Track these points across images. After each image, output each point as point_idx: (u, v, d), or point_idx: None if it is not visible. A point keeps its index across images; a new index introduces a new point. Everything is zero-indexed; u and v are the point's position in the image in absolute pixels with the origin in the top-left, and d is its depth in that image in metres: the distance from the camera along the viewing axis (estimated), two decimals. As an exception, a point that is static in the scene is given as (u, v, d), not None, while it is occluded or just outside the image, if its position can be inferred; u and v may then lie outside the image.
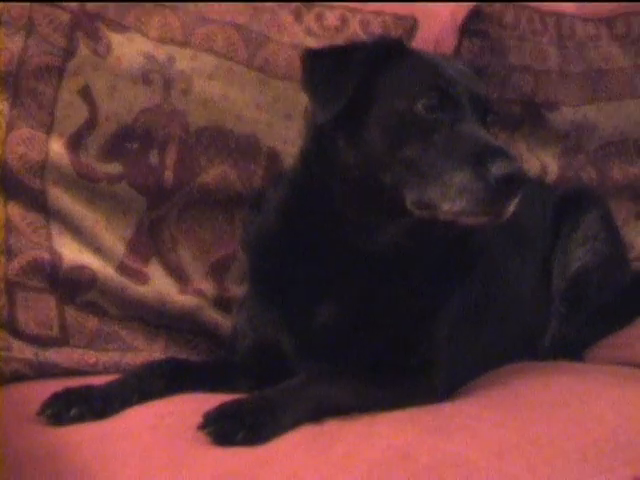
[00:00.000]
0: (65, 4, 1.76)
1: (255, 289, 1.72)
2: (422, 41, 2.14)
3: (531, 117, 2.35)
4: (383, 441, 1.35)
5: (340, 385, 1.50)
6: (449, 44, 2.24)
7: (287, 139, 1.94)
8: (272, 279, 1.66)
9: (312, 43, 1.96)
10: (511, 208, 1.46)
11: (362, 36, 2.02)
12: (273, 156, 1.94)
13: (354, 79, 1.54)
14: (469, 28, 2.24)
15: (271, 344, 1.66)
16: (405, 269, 1.59)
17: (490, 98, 1.65)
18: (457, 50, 2.24)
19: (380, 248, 1.57)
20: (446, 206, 1.45)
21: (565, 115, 2.37)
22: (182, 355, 1.83)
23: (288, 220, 1.64)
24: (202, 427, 1.36)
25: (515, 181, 1.43)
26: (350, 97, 1.53)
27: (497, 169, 1.41)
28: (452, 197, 1.44)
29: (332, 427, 1.41)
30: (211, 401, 1.45)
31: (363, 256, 1.58)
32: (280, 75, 1.93)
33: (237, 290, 1.91)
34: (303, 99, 1.91)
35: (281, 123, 1.94)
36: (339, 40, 1.99)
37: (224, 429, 1.35)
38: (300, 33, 1.97)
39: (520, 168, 1.44)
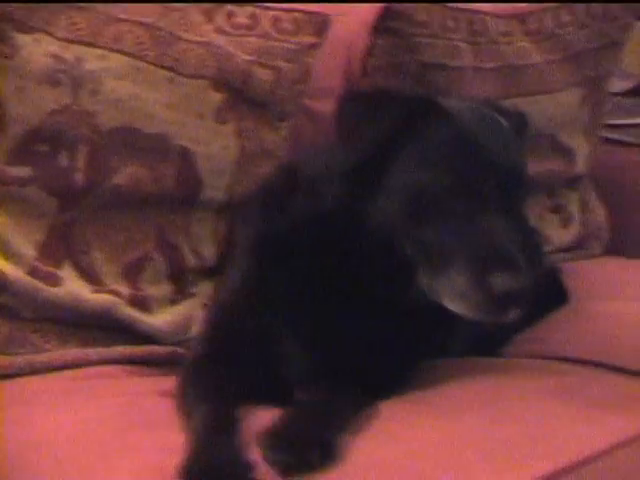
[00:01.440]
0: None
1: (258, 295, 1.67)
2: (335, 39, 2.14)
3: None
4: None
5: None
6: (362, 42, 2.24)
7: (198, 138, 1.92)
8: (280, 292, 1.63)
9: (223, 41, 1.95)
10: (514, 315, 1.46)
11: (273, 33, 2.01)
12: (184, 156, 1.91)
13: (380, 135, 1.50)
14: (381, 26, 2.24)
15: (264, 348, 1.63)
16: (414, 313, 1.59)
17: (524, 172, 1.59)
18: (371, 48, 2.24)
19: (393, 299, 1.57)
20: (447, 303, 1.45)
21: (480, 112, 2.39)
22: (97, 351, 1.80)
23: (311, 248, 1.61)
24: None
25: (515, 297, 1.42)
26: (375, 153, 1.50)
27: (498, 283, 1.39)
28: (452, 298, 1.44)
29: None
30: (134, 404, 1.45)
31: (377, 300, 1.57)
32: (190, 74, 1.91)
33: (152, 290, 1.90)
34: (214, 98, 1.90)
35: (192, 122, 1.92)
36: (250, 38, 1.98)
37: None
38: (210, 32, 1.95)
39: (523, 283, 1.42)
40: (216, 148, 1.94)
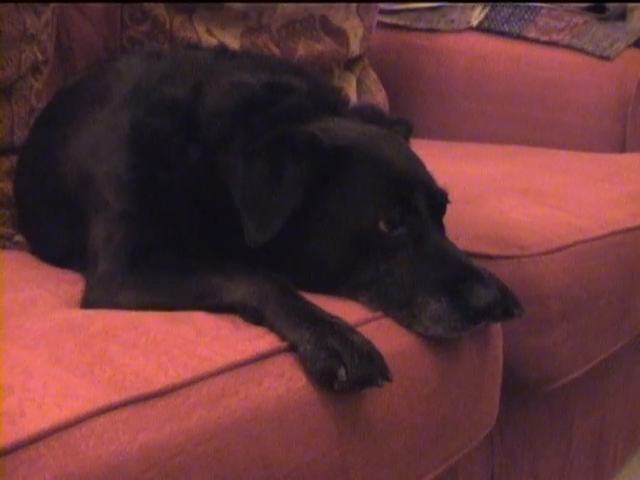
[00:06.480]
0: None
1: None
2: None
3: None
4: (59, 316, 1.40)
5: None
6: None
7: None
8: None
9: None
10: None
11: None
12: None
13: (294, 196, 1.40)
14: None
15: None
16: None
17: (442, 190, 1.54)
18: None
19: None
20: (418, 329, 1.42)
21: (240, -5, 2.41)
22: None
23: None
24: None
25: (492, 308, 1.42)
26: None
27: (477, 300, 1.38)
28: (426, 323, 1.41)
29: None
30: None
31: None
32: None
33: None
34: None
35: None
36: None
37: None
38: None
39: (495, 292, 1.42)
40: (-25, 32, 1.90)
